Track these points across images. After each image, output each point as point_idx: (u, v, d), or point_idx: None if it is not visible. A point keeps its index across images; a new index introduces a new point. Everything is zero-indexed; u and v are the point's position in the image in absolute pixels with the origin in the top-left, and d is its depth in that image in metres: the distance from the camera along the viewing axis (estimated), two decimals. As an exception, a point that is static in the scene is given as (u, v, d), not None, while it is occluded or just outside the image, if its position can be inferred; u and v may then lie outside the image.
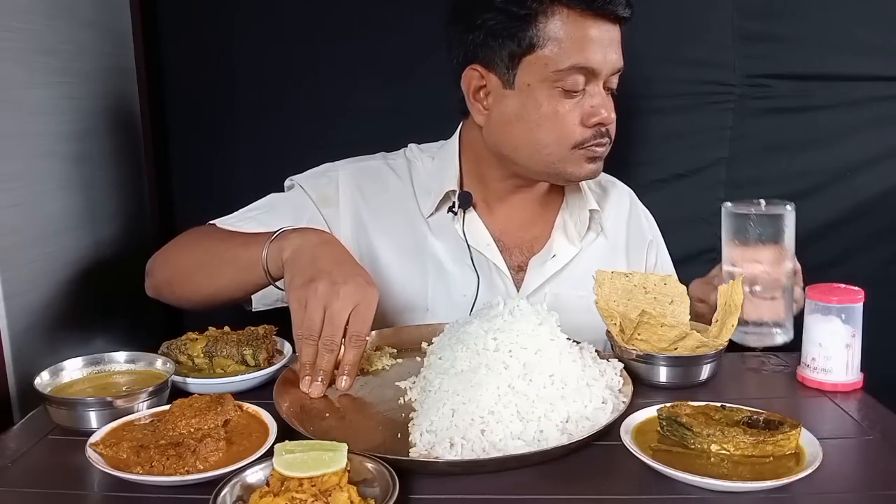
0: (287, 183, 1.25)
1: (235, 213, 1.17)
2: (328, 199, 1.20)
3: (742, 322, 1.00)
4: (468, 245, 1.19)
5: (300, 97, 1.55)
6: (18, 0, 1.13)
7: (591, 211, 1.24)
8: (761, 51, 1.47)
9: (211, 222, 1.15)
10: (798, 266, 1.04)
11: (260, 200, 1.20)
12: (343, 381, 0.91)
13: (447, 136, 1.30)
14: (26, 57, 1.15)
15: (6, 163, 1.10)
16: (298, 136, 1.55)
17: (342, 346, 0.90)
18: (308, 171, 1.25)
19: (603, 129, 1.11)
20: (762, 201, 0.99)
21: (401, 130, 1.36)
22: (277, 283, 1.00)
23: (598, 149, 1.12)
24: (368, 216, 1.21)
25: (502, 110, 1.12)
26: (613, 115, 1.11)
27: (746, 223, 0.99)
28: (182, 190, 1.62)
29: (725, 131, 1.51)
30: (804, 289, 0.99)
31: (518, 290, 1.20)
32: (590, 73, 1.08)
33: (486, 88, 1.13)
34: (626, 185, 1.37)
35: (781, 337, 1.02)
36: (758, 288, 1.00)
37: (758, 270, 1.00)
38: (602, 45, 1.07)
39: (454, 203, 1.20)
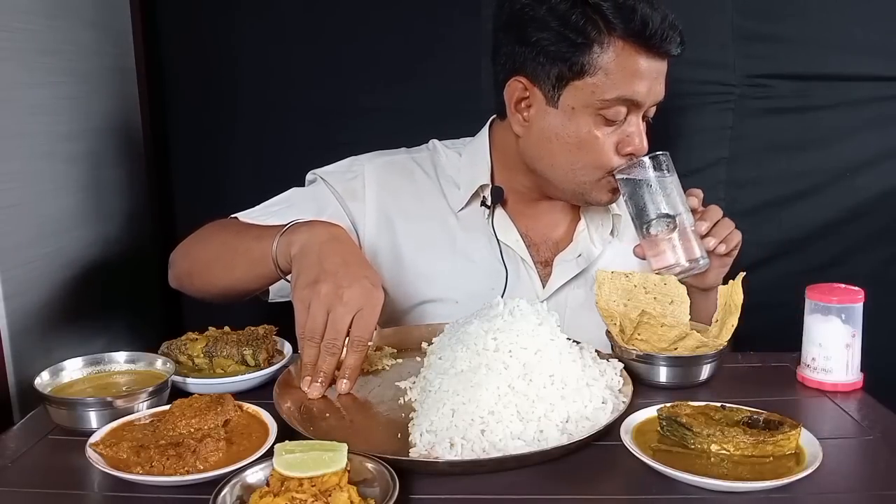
0: (309, 177, 1.24)
1: (258, 206, 1.17)
2: (355, 194, 1.20)
3: (668, 267, 1.06)
4: (497, 239, 1.19)
5: (300, 97, 1.55)
6: (18, 0, 1.13)
7: (613, 215, 1.26)
8: (761, 51, 1.47)
9: (233, 215, 1.15)
10: (699, 205, 1.09)
11: (282, 194, 1.19)
12: (343, 385, 0.92)
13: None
14: (26, 57, 1.15)
15: (6, 163, 1.11)
16: (298, 136, 1.55)
17: (344, 350, 0.90)
18: (332, 165, 1.24)
19: (634, 160, 1.12)
20: (644, 158, 1.06)
21: (401, 130, 1.36)
22: (288, 278, 1.00)
23: None
24: (395, 210, 1.21)
25: (543, 126, 1.12)
26: (646, 145, 1.11)
27: (636, 184, 1.06)
28: (182, 190, 1.62)
29: (725, 131, 1.51)
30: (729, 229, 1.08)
31: (544, 287, 1.21)
32: (633, 105, 1.08)
33: (529, 101, 1.12)
34: None
35: (697, 266, 1.06)
36: (660, 234, 1.06)
37: (658, 216, 1.06)
38: (650, 78, 1.07)
39: (485, 197, 1.20)
